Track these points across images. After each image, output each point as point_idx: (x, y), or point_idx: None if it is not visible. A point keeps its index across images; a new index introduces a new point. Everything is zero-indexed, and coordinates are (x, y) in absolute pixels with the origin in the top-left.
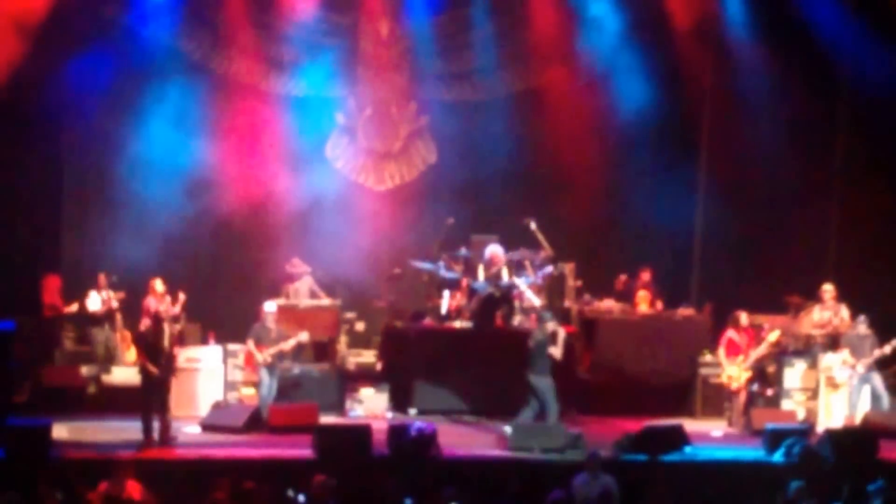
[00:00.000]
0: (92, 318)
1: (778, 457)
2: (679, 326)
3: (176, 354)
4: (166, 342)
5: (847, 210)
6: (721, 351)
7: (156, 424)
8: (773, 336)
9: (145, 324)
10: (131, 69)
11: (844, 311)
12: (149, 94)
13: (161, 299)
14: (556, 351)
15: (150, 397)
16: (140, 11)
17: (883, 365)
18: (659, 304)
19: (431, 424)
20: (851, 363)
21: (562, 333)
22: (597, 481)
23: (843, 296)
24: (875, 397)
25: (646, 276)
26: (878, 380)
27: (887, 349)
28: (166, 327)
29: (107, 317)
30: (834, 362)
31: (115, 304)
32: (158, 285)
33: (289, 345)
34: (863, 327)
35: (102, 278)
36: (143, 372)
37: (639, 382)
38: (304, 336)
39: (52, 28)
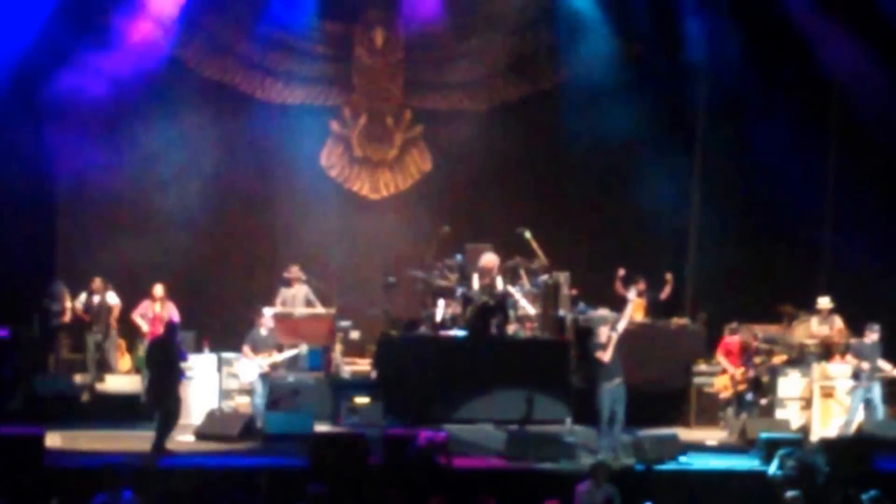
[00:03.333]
0: (85, 322)
1: (773, 470)
2: (673, 336)
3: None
4: (178, 350)
5: (840, 220)
6: (719, 359)
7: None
8: (777, 359)
9: (152, 331)
10: (127, 77)
11: (839, 322)
12: (144, 102)
13: (163, 305)
14: (603, 354)
15: (163, 407)
16: (136, 19)
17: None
18: (663, 289)
19: (442, 432)
20: (863, 370)
21: (614, 337)
22: (600, 490)
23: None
24: (871, 407)
25: (640, 285)
26: (878, 390)
27: (894, 372)
28: (179, 335)
29: (98, 322)
30: (839, 372)
31: (112, 305)
32: (159, 290)
33: (287, 355)
34: (874, 335)
35: (98, 282)
36: (158, 382)
37: (633, 391)
38: (303, 348)
39: (49, 34)
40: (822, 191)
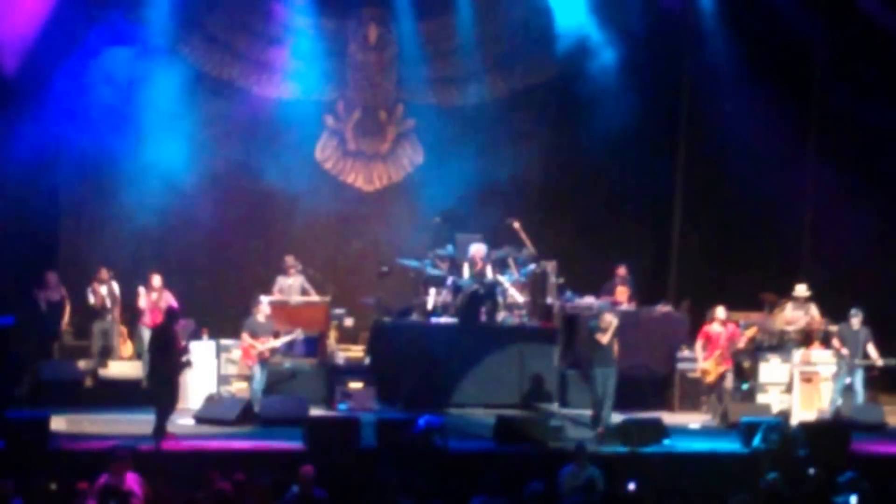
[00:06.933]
0: (91, 311)
1: (756, 442)
2: (658, 322)
3: (188, 348)
4: (179, 337)
5: (820, 210)
6: (698, 345)
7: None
8: (750, 332)
9: (152, 319)
10: (127, 71)
11: (814, 310)
12: (144, 96)
13: (159, 294)
14: (603, 337)
15: (163, 392)
16: (135, 15)
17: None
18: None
19: (439, 417)
20: (844, 355)
21: (614, 323)
22: (583, 472)
23: (814, 295)
24: (852, 392)
25: (622, 271)
26: (860, 376)
27: (879, 362)
28: (178, 322)
29: (106, 310)
30: (819, 357)
31: (116, 295)
32: (156, 280)
33: (285, 340)
34: (856, 321)
35: (104, 272)
36: (160, 367)
37: (619, 377)
38: (299, 333)
39: (51, 29)
40: (805, 177)
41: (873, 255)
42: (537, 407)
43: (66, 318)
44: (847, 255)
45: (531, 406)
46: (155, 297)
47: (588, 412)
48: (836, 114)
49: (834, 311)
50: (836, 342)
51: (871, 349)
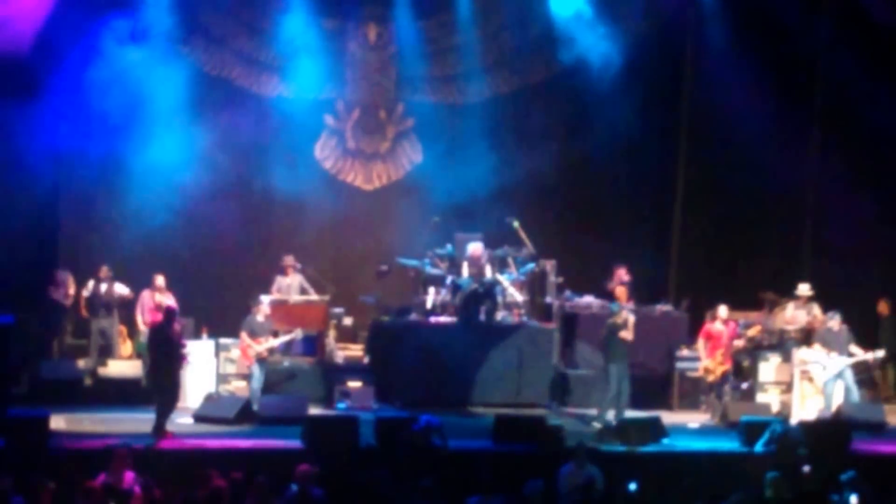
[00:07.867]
0: (90, 308)
1: (759, 447)
2: (657, 322)
3: (185, 346)
4: (178, 336)
5: (821, 209)
6: (700, 343)
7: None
8: (751, 331)
9: (149, 319)
10: (128, 71)
11: (816, 309)
12: (144, 96)
13: (163, 294)
14: (628, 334)
15: (163, 391)
16: (136, 15)
17: (863, 368)
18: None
19: (438, 416)
20: (826, 357)
21: (632, 319)
22: (582, 471)
23: (816, 294)
24: (846, 391)
25: (621, 271)
26: (849, 374)
27: (868, 356)
28: (177, 321)
29: (106, 308)
30: (810, 357)
31: (122, 294)
32: (160, 280)
33: (284, 339)
34: (835, 322)
35: (105, 270)
36: (159, 366)
37: None
38: (298, 333)
39: (52, 30)
40: (808, 173)
41: (877, 250)
42: (536, 406)
43: (70, 316)
44: (851, 251)
45: (530, 405)
46: (158, 297)
47: (588, 411)
48: (838, 108)
49: (837, 308)
50: (819, 347)
51: (854, 347)
